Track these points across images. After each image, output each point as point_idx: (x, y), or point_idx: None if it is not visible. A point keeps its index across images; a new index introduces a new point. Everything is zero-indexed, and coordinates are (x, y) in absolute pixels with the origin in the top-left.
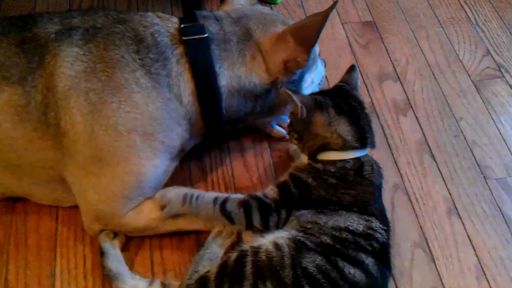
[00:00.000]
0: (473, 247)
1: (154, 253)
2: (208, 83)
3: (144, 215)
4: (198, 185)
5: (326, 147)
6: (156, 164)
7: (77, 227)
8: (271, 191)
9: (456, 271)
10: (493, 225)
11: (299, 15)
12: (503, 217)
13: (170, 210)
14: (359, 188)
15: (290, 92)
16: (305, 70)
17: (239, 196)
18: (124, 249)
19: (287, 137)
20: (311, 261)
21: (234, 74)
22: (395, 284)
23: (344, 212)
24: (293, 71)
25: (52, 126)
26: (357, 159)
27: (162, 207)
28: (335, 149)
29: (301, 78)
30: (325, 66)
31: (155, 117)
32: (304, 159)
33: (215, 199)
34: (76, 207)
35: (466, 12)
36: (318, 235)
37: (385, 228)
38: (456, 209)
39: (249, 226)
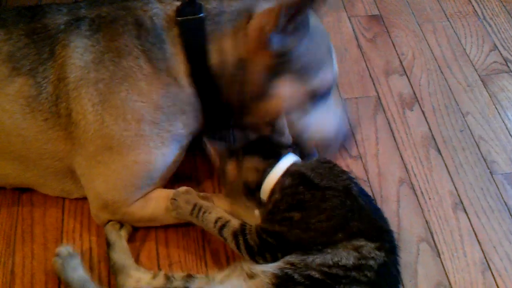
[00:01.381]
0: (478, 241)
1: (160, 245)
2: (199, 63)
3: (152, 205)
4: (203, 175)
5: (255, 185)
6: (164, 153)
7: (83, 219)
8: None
9: (461, 266)
10: (498, 220)
11: None
12: (509, 211)
13: (178, 215)
14: (325, 206)
15: (206, 141)
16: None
17: (236, 224)
18: (130, 240)
19: None
20: None
21: (221, 48)
22: (400, 278)
23: (329, 250)
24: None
25: (63, 116)
26: (291, 172)
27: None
28: (259, 181)
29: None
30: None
31: (160, 106)
32: (256, 212)
33: (216, 221)
34: (82, 199)
35: (473, 6)
36: (306, 269)
37: (378, 244)
38: (462, 203)
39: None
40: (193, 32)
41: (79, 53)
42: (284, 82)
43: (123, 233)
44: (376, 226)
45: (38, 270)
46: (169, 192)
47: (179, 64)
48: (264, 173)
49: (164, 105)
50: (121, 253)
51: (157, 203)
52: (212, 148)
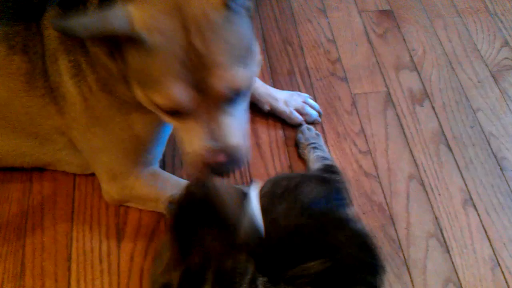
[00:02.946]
0: (488, 238)
1: None
2: None
3: (158, 183)
4: None
5: None
6: (145, 119)
7: (93, 212)
8: None
9: (471, 262)
10: (509, 217)
11: None
12: None
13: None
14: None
15: None
16: None
17: None
18: None
19: (304, 123)
20: None
21: None
22: (409, 274)
23: None
24: None
25: (55, 90)
26: None
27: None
28: None
29: None
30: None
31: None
32: None
33: None
34: (92, 194)
35: (484, 1)
36: None
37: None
38: (472, 200)
39: None
40: None
41: None
42: None
43: None
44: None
45: (48, 262)
46: (183, 183)
47: None
48: None
49: None
50: None
51: (164, 183)
52: None
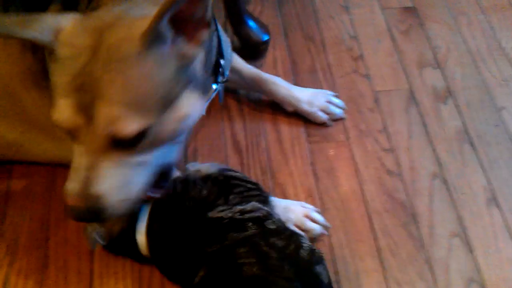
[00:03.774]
0: None
1: None
2: None
3: None
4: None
5: None
6: None
7: None
8: None
9: (494, 262)
10: None
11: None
12: None
13: None
14: None
15: None
16: None
17: None
18: None
19: (328, 122)
20: None
21: None
22: (432, 273)
23: None
24: None
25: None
26: None
27: None
28: None
29: None
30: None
31: None
32: None
33: None
34: None
35: None
36: None
37: None
38: (496, 199)
39: None
40: None
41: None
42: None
43: None
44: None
45: (71, 256)
46: None
47: None
48: None
49: None
50: None
51: None
52: None
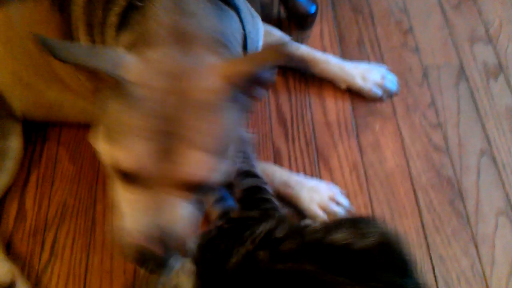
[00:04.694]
0: None
1: None
2: None
3: None
4: (279, 140)
5: None
6: None
7: None
8: None
9: None
10: None
11: None
12: None
13: None
14: None
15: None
16: None
17: None
18: None
19: (383, 97)
20: None
21: None
22: (477, 250)
23: None
24: None
25: None
26: None
27: None
28: None
29: None
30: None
31: None
32: None
33: None
34: None
35: None
36: None
37: None
38: None
39: None
40: None
41: None
42: None
43: None
44: None
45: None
46: None
47: None
48: None
49: None
50: None
51: None
52: None
